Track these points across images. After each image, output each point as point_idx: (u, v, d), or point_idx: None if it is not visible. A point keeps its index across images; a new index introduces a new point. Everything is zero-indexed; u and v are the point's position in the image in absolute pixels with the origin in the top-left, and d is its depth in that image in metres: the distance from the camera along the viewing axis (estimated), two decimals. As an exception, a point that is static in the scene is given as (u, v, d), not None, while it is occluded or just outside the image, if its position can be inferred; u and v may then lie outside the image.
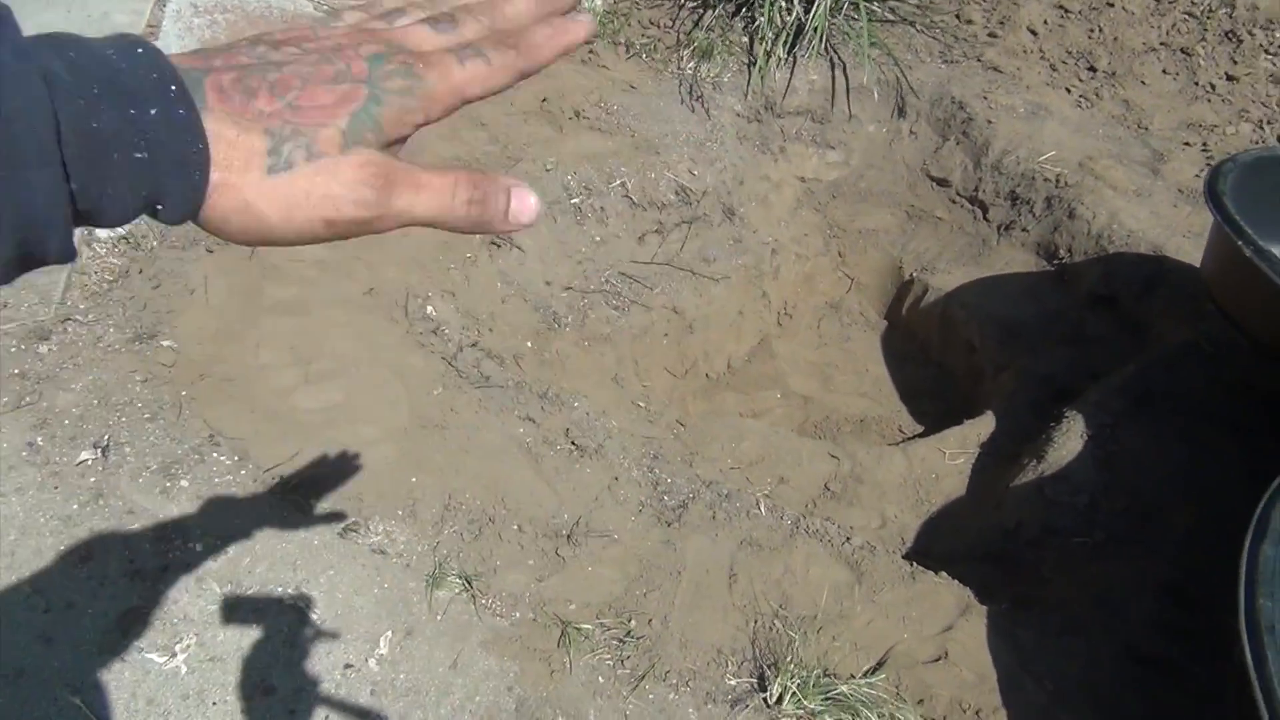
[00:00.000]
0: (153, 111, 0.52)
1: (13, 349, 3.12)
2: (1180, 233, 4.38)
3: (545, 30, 0.67)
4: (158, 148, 0.52)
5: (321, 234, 0.59)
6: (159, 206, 0.54)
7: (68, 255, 0.52)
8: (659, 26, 5.22)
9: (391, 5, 0.68)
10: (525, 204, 0.63)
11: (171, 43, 4.55)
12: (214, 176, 0.54)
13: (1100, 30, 5.40)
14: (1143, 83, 5.24)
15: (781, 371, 4.70)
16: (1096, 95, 5.21)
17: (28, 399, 2.98)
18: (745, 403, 4.54)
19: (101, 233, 3.58)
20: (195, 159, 0.54)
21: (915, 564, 3.00)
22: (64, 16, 4.60)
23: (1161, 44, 5.35)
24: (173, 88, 0.53)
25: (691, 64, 5.01)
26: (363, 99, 0.59)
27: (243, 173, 0.55)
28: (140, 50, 0.53)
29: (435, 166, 0.61)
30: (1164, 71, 5.27)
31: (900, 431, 4.39)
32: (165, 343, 3.22)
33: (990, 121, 4.96)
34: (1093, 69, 5.30)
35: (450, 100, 0.63)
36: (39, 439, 2.88)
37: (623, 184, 4.34)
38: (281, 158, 0.56)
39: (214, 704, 2.36)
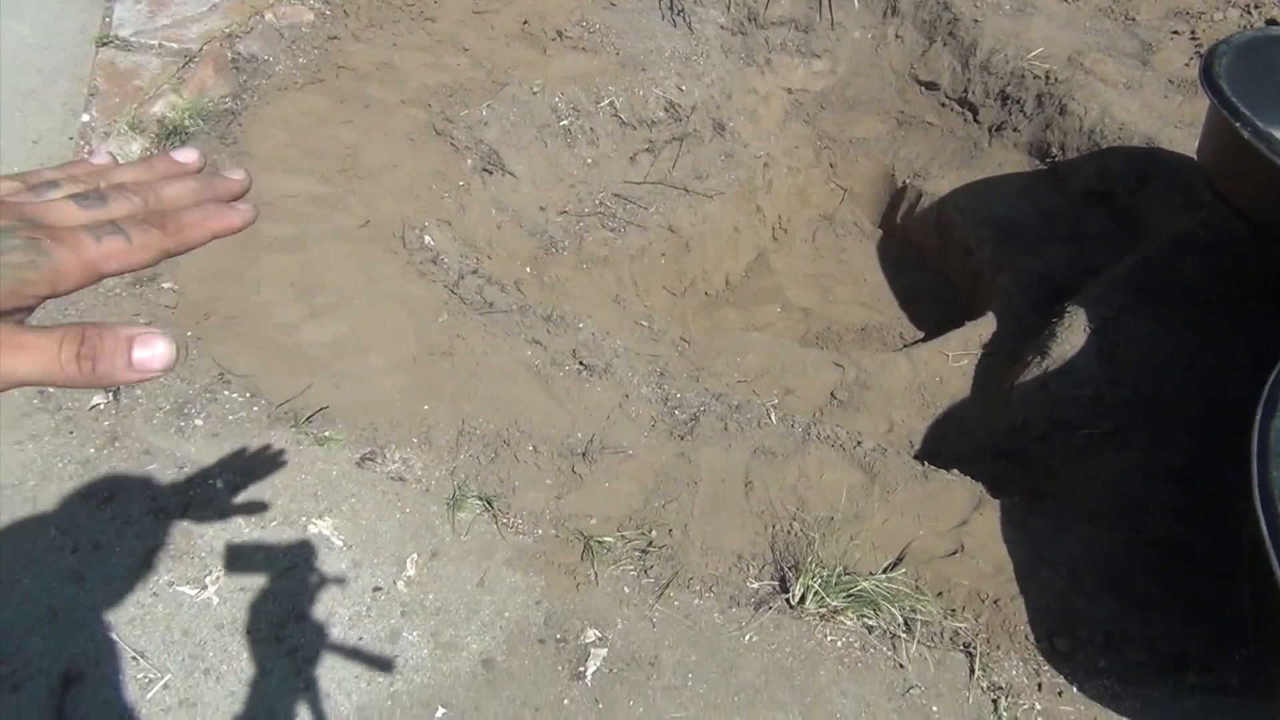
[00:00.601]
0: None
1: (13, 299, 3.10)
2: (1172, 123, 4.37)
3: (198, 214, 0.67)
4: None
5: None
6: None
7: None
8: (637, -59, 5.11)
9: (49, 177, 0.67)
10: (153, 350, 0.60)
11: None
12: None
13: (1084, -78, 5.32)
14: (1129, -26, 5.18)
15: (780, 285, 4.70)
16: (1083, -11, 5.15)
17: (33, 348, 2.96)
18: (746, 318, 4.55)
19: (90, 178, 3.53)
20: None
21: (926, 464, 3.03)
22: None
23: (1146, -67, 5.27)
24: None
25: (672, -23, 4.92)
26: None
27: None
28: None
29: (46, 326, 0.59)
30: (1150, -39, 5.21)
31: (901, 338, 4.41)
32: (165, 284, 3.20)
33: (977, 21, 4.90)
34: (1078, -38, 5.23)
35: (82, 275, 0.62)
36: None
37: (611, 103, 4.30)
38: None
39: (247, 632, 2.39)
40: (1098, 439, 3.20)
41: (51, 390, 2.85)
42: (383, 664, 2.39)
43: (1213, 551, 2.75)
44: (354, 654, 2.40)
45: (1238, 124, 3.01)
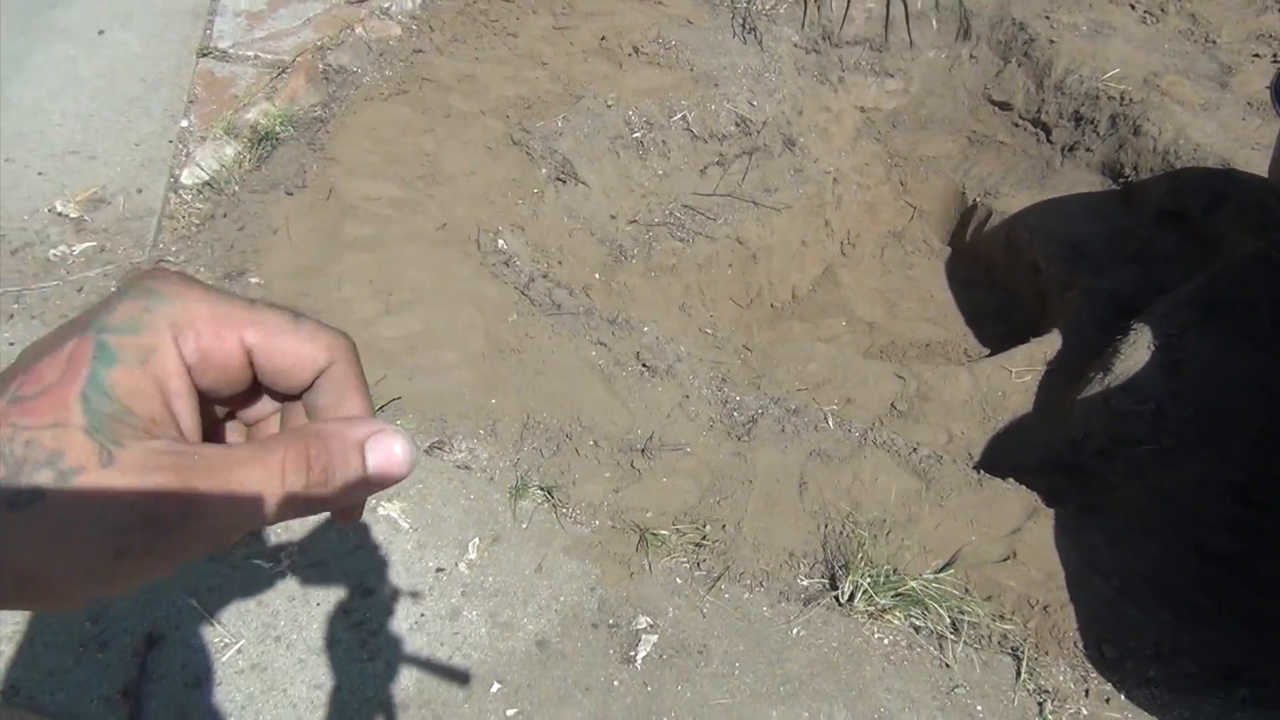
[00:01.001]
0: None
1: (112, 288, 3.30)
2: (1250, 145, 4.32)
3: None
4: None
5: (112, 574, 0.43)
6: None
7: None
8: (715, -39, 5.23)
9: None
10: (391, 456, 0.49)
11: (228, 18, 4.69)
12: None
13: (1166, -55, 5.30)
14: (1210, -4, 5.15)
15: (846, 299, 4.75)
16: (1162, 10, 5.13)
17: (130, 334, 3.16)
18: (811, 331, 4.60)
19: (186, 180, 3.74)
20: None
21: (982, 472, 3.06)
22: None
23: (1230, -44, 5.23)
24: None
25: (748, -3, 5.02)
26: (89, 357, 0.45)
27: None
28: None
29: (249, 449, 0.46)
30: (1232, -16, 5.17)
31: (966, 355, 4.42)
32: (252, 279, 3.37)
33: (1052, 41, 4.91)
34: (1158, -16, 5.21)
35: (226, 339, 0.49)
36: None
37: (683, 117, 4.40)
38: (20, 486, 0.42)
39: (317, 604, 2.52)
40: (1158, 454, 3.18)
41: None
42: (443, 640, 2.49)
43: (1272, 567, 2.73)
44: (416, 629, 2.51)
45: (1307, 141, 3.00)
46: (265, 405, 0.56)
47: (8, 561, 0.41)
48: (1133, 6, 5.16)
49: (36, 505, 0.41)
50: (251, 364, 0.50)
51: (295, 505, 0.46)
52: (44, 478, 0.41)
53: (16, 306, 3.23)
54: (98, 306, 0.46)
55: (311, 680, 2.40)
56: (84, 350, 0.44)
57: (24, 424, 0.42)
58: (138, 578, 0.44)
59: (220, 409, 0.55)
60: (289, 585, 2.56)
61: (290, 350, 0.51)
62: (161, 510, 0.43)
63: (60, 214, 3.57)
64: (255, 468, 0.45)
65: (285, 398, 0.54)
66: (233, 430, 0.56)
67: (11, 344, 3.09)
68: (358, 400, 0.55)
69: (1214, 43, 4.94)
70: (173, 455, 0.44)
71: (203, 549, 0.45)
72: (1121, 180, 4.54)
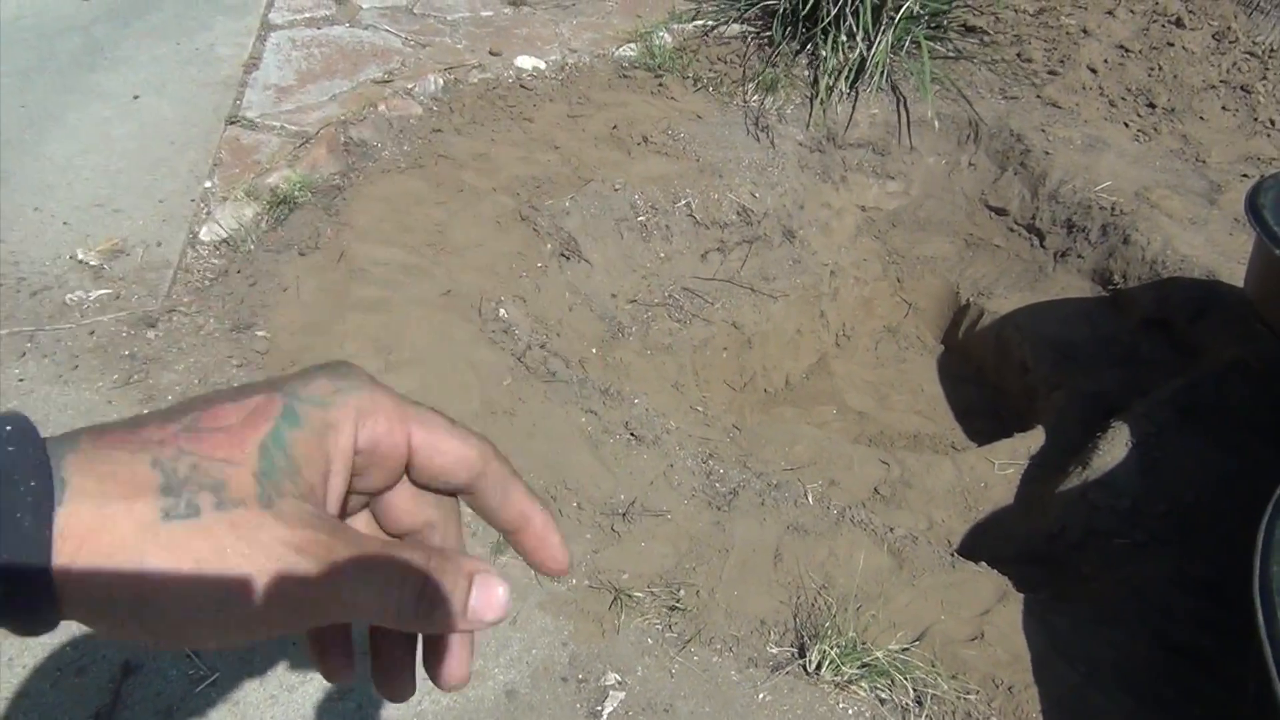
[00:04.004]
0: None
1: (124, 334, 3.43)
2: (1235, 259, 4.45)
3: None
4: None
5: (235, 612, 0.43)
6: None
7: None
8: (725, 62, 5.47)
9: None
10: (491, 597, 0.51)
11: (271, 73, 4.92)
12: (80, 515, 0.42)
13: (1160, 69, 5.52)
14: (1202, 118, 5.34)
15: (838, 389, 4.85)
16: (1155, 130, 5.32)
17: (135, 377, 3.27)
18: (802, 417, 4.69)
19: (205, 236, 3.89)
20: (34, 495, 0.42)
21: (956, 555, 3.11)
22: (174, 49, 5.00)
23: (1222, 81, 5.45)
24: (22, 440, 0.43)
25: (756, 96, 5.24)
26: (276, 414, 0.49)
27: (125, 515, 0.43)
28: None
29: (383, 553, 0.48)
30: (1223, 108, 5.37)
31: (953, 447, 4.50)
32: (259, 333, 3.50)
33: (1048, 153, 5.09)
34: (1152, 105, 5.41)
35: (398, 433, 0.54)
36: (145, 412, 3.15)
37: (687, 204, 4.57)
38: (180, 500, 0.44)
39: (293, 644, 2.57)
40: (1132, 549, 3.24)
41: (147, 415, 3.13)
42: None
43: (1237, 664, 2.76)
44: (388, 673, 2.56)
45: (1279, 251, 3.12)
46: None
47: (144, 566, 0.42)
48: (1126, 125, 5.36)
49: (187, 522, 0.43)
50: (408, 460, 0.54)
51: (402, 614, 0.48)
52: (204, 500, 0.44)
53: (30, 345, 3.35)
54: (292, 376, 0.52)
55: (282, 716, 2.44)
56: (272, 407, 0.48)
57: (192, 450, 0.46)
58: (234, 633, 0.44)
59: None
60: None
61: (452, 450, 0.55)
62: (304, 567, 0.44)
63: (81, 261, 3.72)
64: (384, 557, 0.48)
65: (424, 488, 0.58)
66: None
67: (21, 379, 3.21)
68: (522, 495, 0.62)
69: (1204, 162, 5.11)
70: (325, 522, 0.46)
71: (320, 622, 0.46)
72: (1110, 287, 4.67)
